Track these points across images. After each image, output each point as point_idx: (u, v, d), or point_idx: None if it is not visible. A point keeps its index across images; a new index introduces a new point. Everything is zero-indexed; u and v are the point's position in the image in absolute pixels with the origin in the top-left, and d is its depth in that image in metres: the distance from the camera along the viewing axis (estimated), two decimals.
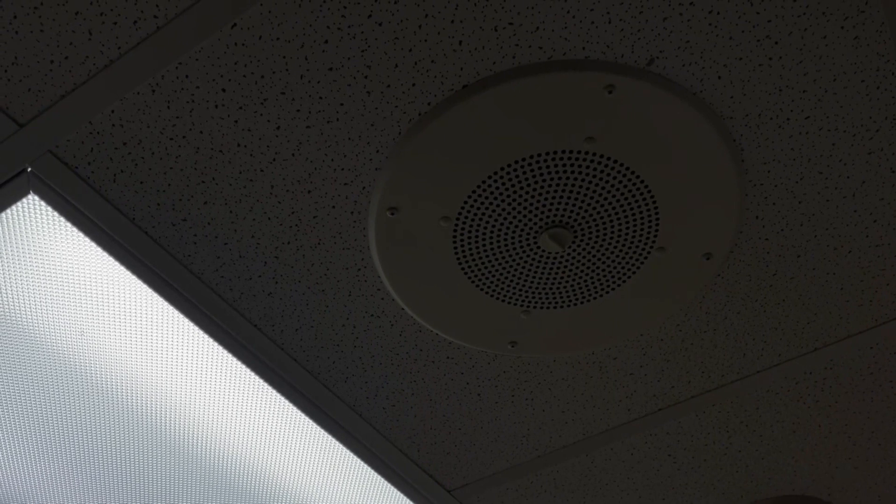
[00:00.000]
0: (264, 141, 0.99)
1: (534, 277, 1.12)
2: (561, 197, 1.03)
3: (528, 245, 1.08)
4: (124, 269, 1.11)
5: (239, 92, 0.94)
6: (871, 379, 1.30)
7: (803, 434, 1.38)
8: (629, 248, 1.09)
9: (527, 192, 1.03)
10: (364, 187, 1.04)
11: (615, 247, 1.09)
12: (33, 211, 1.04)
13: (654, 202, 1.04)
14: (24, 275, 1.13)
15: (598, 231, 1.07)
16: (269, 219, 1.06)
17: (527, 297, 1.14)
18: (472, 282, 1.12)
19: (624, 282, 1.13)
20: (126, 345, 1.22)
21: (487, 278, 1.12)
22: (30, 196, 1.03)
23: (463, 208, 1.04)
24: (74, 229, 1.06)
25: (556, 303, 1.15)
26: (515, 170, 1.01)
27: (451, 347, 1.23)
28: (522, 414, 1.34)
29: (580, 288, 1.14)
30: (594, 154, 0.99)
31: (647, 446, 1.40)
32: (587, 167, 1.01)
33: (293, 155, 1.00)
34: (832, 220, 1.09)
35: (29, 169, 1.01)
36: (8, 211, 1.04)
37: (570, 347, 1.22)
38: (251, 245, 1.09)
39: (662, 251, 1.10)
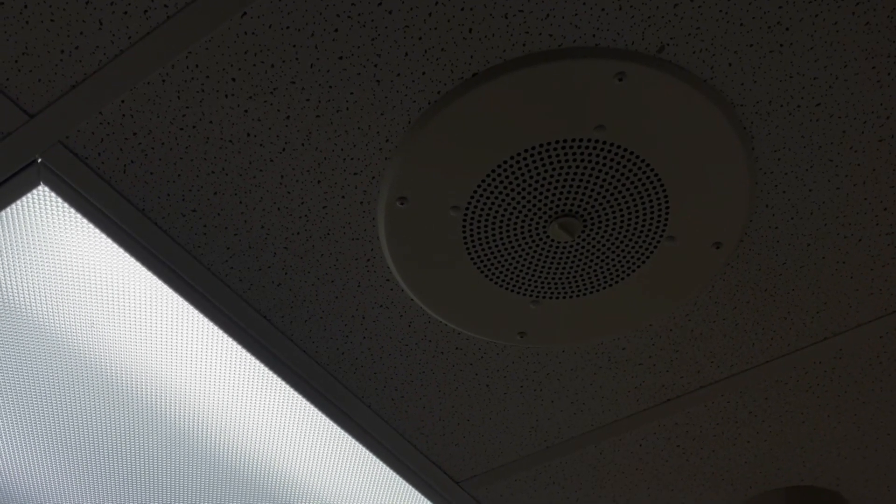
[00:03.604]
0: (274, 130, 0.99)
1: (543, 267, 1.12)
2: (570, 186, 1.03)
3: (538, 234, 1.08)
4: (134, 260, 1.11)
5: (249, 81, 0.94)
6: (881, 368, 1.30)
7: (812, 424, 1.38)
8: (639, 237, 1.09)
9: (536, 181, 1.02)
10: (373, 177, 1.04)
11: (625, 236, 1.09)
12: (43, 202, 1.04)
13: (664, 190, 1.04)
14: (34, 265, 1.13)
15: (607, 220, 1.07)
16: (278, 209, 1.06)
17: (536, 287, 1.14)
18: (482, 272, 1.12)
19: (633, 271, 1.13)
20: (136, 336, 1.22)
21: (497, 268, 1.12)
22: (40, 187, 1.03)
23: (472, 198, 1.04)
24: (84, 220, 1.06)
25: (566, 293, 1.15)
26: (525, 158, 1.00)
27: (460, 338, 1.23)
28: (531, 405, 1.34)
29: (589, 278, 1.14)
30: (604, 142, 0.99)
31: (655, 437, 1.40)
32: (597, 155, 1.00)
33: (303, 145, 1.00)
34: (842, 208, 1.09)
35: (39, 160, 1.01)
36: (18, 202, 1.04)
37: (579, 338, 1.22)
38: (261, 235, 1.09)
39: (672, 240, 1.09)
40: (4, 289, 1.16)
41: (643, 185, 1.03)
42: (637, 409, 1.35)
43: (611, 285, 1.15)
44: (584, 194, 1.04)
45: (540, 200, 1.04)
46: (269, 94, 0.96)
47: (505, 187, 1.03)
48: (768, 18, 0.91)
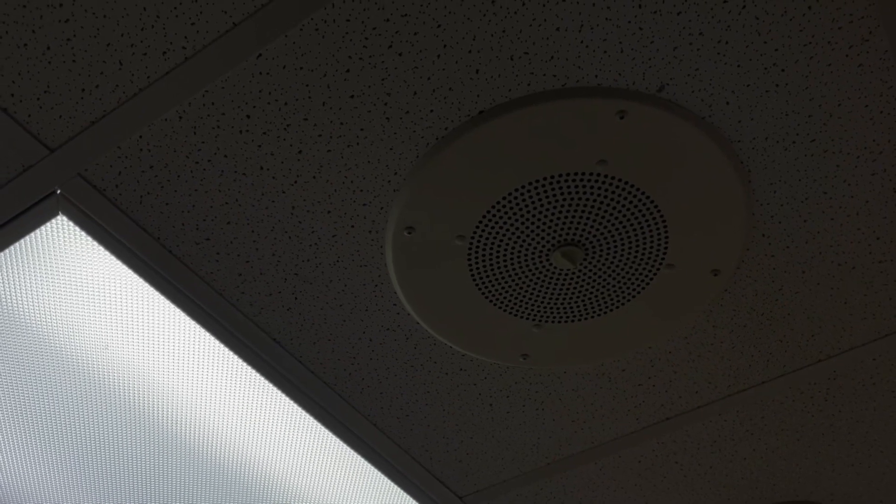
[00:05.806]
0: (286, 164, 1.02)
1: (546, 293, 1.15)
2: (573, 216, 1.06)
3: (541, 262, 1.11)
4: (149, 286, 1.14)
5: (263, 118, 0.98)
6: (874, 389, 1.33)
7: (807, 442, 1.42)
8: (639, 265, 1.12)
9: (540, 212, 1.06)
10: (382, 207, 1.07)
11: (625, 264, 1.12)
12: (62, 231, 1.08)
13: (664, 221, 1.08)
14: (53, 291, 1.16)
15: (609, 249, 1.10)
16: (289, 238, 1.10)
17: (539, 311, 1.18)
18: (486, 297, 1.15)
19: (634, 297, 1.16)
20: (150, 358, 1.25)
21: (501, 294, 1.15)
22: (59, 217, 1.06)
23: (478, 227, 1.07)
24: (101, 248, 1.09)
25: (568, 317, 1.19)
26: (529, 191, 1.04)
27: (465, 360, 1.27)
28: (533, 423, 1.37)
29: (591, 303, 1.17)
30: (606, 176, 1.03)
31: (654, 454, 1.43)
32: (599, 188, 1.04)
33: (314, 177, 1.04)
34: (836, 237, 1.12)
35: (58, 191, 1.04)
36: (38, 231, 1.08)
37: (580, 360, 1.25)
38: (272, 263, 1.12)
39: (671, 268, 1.13)
40: (24, 312, 1.19)
41: (643, 216, 1.07)
42: (636, 427, 1.39)
43: (612, 310, 1.18)
44: (586, 224, 1.07)
45: (543, 230, 1.08)
46: (282, 130, 0.99)
47: (509, 218, 1.06)
48: (764, 60, 0.94)
